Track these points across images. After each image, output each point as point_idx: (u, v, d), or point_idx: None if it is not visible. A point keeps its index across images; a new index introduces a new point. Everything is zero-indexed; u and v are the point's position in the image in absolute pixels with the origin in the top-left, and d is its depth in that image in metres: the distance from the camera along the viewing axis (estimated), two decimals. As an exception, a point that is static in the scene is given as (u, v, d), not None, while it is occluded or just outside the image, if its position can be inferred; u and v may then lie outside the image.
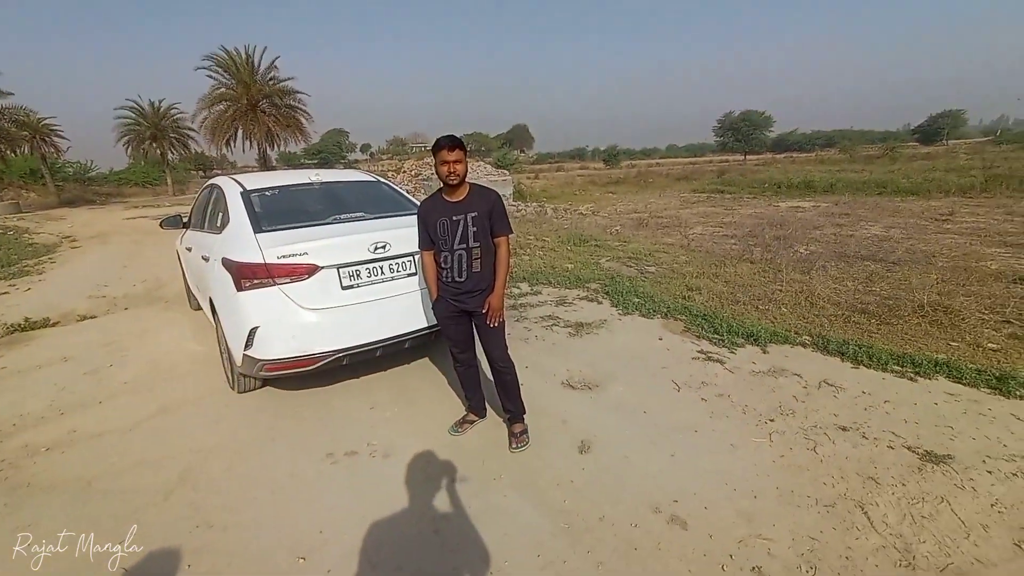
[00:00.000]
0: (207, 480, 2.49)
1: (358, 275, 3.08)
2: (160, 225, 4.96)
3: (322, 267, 2.94)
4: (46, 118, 27.60)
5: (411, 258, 3.28)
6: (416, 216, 3.41)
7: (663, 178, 27.62)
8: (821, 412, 2.85)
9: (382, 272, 3.16)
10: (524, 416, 2.74)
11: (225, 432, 2.95)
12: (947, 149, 43.12)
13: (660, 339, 4.09)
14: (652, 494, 2.24)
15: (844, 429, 2.66)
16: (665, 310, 4.69)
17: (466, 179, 2.48)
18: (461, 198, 2.48)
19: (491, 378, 2.82)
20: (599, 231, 10.01)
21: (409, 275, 3.26)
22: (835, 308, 4.63)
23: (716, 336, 4.03)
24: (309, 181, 3.78)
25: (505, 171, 21.62)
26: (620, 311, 4.81)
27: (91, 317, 5.45)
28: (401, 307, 3.17)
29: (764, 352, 3.72)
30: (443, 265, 2.56)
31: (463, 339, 2.73)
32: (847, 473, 2.30)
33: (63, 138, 28.92)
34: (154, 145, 31.30)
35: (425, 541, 2.04)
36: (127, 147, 31.19)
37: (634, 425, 2.83)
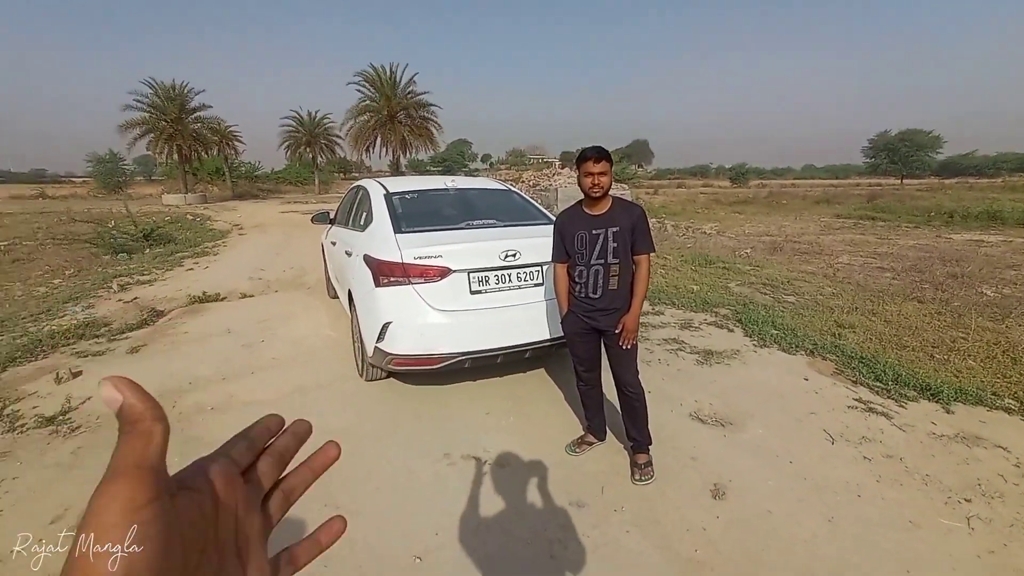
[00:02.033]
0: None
1: (487, 281, 3.09)
2: (311, 220, 5.52)
3: (454, 270, 3.00)
4: (231, 125, 32.89)
5: (539, 268, 3.22)
6: (549, 227, 3.37)
7: (799, 200, 25.00)
8: (1043, 502, 2.24)
9: (510, 280, 3.14)
10: (650, 447, 2.52)
11: (351, 417, 3.11)
12: None
13: (806, 379, 3.57)
14: (804, 563, 1.90)
15: (1082, 531, 2.05)
16: (811, 346, 4.11)
17: (609, 192, 2.35)
18: (603, 212, 2.36)
19: (613, 400, 2.64)
20: (726, 252, 9.25)
21: (536, 285, 3.21)
22: (1048, 368, 3.70)
23: (879, 384, 3.42)
24: (445, 187, 3.92)
25: (624, 185, 21.14)
26: (755, 342, 4.32)
27: (250, 296, 6.23)
28: (526, 316, 3.12)
29: (948, 412, 3.07)
30: (577, 279, 2.45)
31: (590, 358, 2.59)
32: (1094, 592, 1.75)
33: (241, 142, 34.18)
34: (307, 149, 35.73)
35: (540, 565, 1.93)
36: (287, 150, 36.00)
37: (778, 475, 2.46)
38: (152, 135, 26.31)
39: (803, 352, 4.06)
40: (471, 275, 3.07)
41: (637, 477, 2.43)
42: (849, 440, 2.76)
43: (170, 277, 7.35)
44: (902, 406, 3.14)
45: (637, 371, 2.48)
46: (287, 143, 35.46)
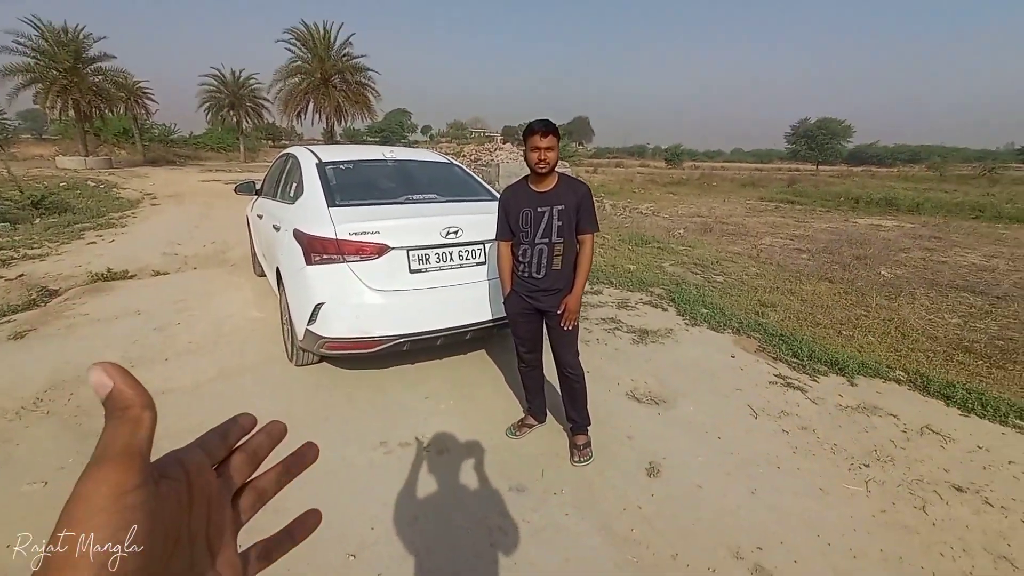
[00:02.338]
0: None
1: (427, 259, 2.97)
2: (234, 190, 5.07)
3: (392, 248, 2.85)
4: (140, 81, 29.49)
5: (482, 246, 3.14)
6: (493, 203, 3.26)
7: (728, 182, 26.35)
8: (927, 464, 2.51)
9: (451, 258, 3.04)
10: (588, 428, 2.56)
11: (281, 404, 2.93)
12: (1058, 174, 38.81)
13: (732, 356, 3.78)
14: (732, 535, 2.02)
15: (960, 489, 2.31)
16: (737, 325, 4.36)
17: (555, 169, 2.29)
18: (548, 188, 2.30)
19: (553, 382, 2.65)
20: (661, 232, 9.59)
21: (478, 264, 3.13)
22: (932, 343, 4.15)
23: (795, 360, 3.68)
24: (383, 157, 3.71)
25: (564, 162, 21.27)
26: (687, 321, 4.52)
27: (163, 273, 5.69)
28: (467, 296, 3.05)
29: (852, 384, 3.36)
30: (521, 259, 2.40)
31: (532, 338, 2.56)
32: (971, 546, 1.98)
33: (153, 100, 30.80)
34: (231, 113, 32.83)
35: (480, 554, 1.91)
36: (207, 113, 32.88)
37: (707, 450, 2.59)
38: (40, 86, 23.07)
39: (730, 330, 4.29)
40: (411, 253, 2.94)
41: (576, 459, 2.47)
42: (770, 414, 2.95)
43: (67, 251, 6.55)
44: (815, 380, 3.41)
45: (577, 352, 2.49)
46: (207, 105, 32.38)
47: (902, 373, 3.52)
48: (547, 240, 2.30)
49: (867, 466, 2.48)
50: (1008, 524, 2.12)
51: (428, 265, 2.98)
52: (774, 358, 3.75)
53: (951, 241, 9.67)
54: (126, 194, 12.92)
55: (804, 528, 2.06)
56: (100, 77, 25.33)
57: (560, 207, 2.27)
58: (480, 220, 3.18)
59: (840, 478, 2.39)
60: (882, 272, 6.81)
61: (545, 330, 2.53)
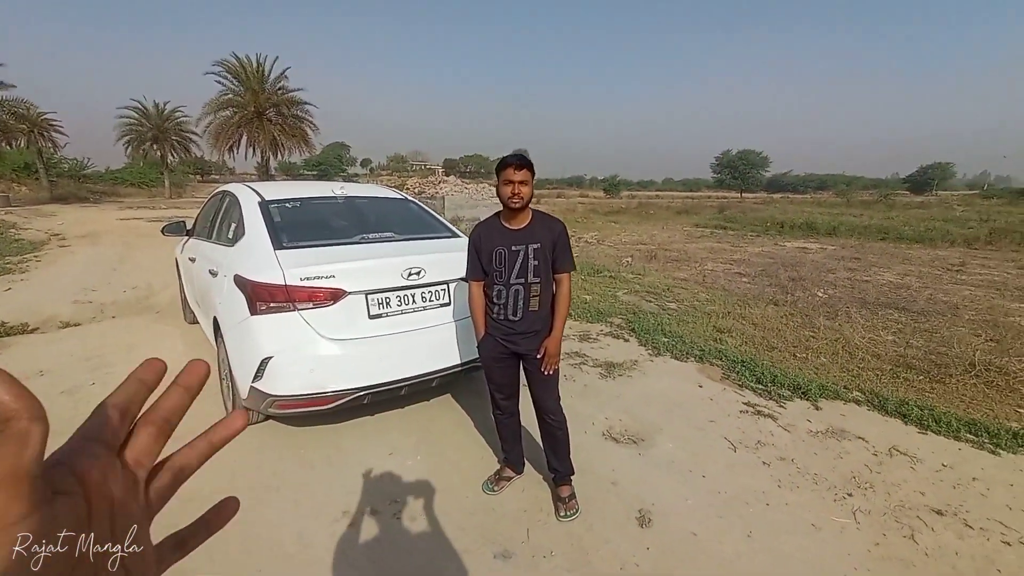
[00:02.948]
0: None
1: (388, 303, 2.75)
2: (162, 231, 4.61)
3: (349, 292, 2.61)
4: (46, 113, 27.20)
5: (445, 286, 2.96)
6: (454, 240, 3.11)
7: (664, 210, 27.72)
8: (904, 488, 2.53)
9: (414, 301, 2.84)
10: (572, 477, 2.39)
11: (222, 476, 2.55)
12: (939, 199, 44.08)
13: (700, 386, 3.77)
14: (736, 588, 1.90)
15: (940, 513, 2.33)
16: (698, 352, 4.39)
17: (529, 205, 2.18)
18: (523, 226, 2.19)
19: (528, 428, 2.48)
20: (610, 261, 9.77)
21: (442, 305, 2.94)
22: (877, 361, 4.36)
23: (760, 387, 3.72)
24: (333, 194, 3.47)
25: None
26: (650, 351, 4.50)
27: (74, 324, 5.03)
28: (432, 341, 2.84)
29: (816, 408, 3.42)
30: (495, 300, 2.25)
31: (509, 384, 2.39)
32: (964, 574, 1.97)
33: (62, 133, 28.49)
34: (155, 147, 30.85)
35: (471, 642, 1.67)
36: (127, 147, 30.71)
37: (694, 492, 2.48)
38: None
39: (693, 359, 4.31)
40: (369, 297, 2.70)
41: (562, 513, 2.28)
42: (747, 446, 2.91)
43: (-50, 303, 5.68)
44: (782, 406, 3.44)
45: (559, 397, 2.34)
46: (128, 138, 30.30)
47: (859, 393, 3.64)
48: (523, 280, 2.17)
49: (850, 495, 2.47)
50: (991, 547, 2.14)
51: (389, 309, 2.76)
52: (740, 385, 3.77)
53: (868, 261, 10.50)
54: (28, 235, 11.61)
55: (806, 570, 1.98)
56: (-3, 108, 23.14)
57: (536, 245, 2.15)
58: (443, 259, 3.01)
59: (827, 510, 2.35)
60: (818, 293, 7.22)
61: (524, 375, 2.36)
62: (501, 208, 2.23)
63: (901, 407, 3.34)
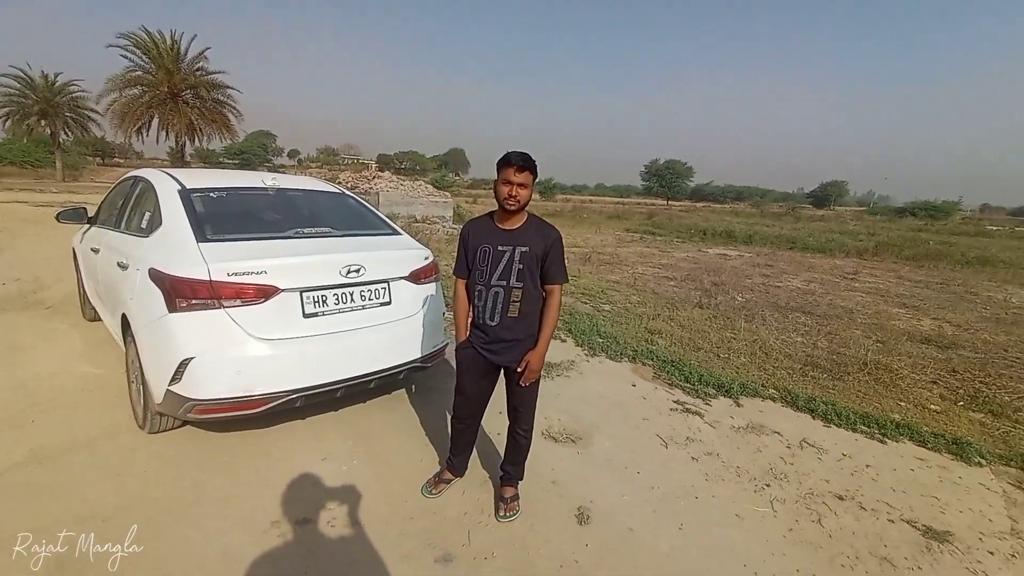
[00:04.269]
0: (100, 566, 1.86)
1: (324, 301, 2.61)
2: (56, 217, 4.09)
3: (283, 290, 2.45)
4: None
5: (386, 285, 2.87)
6: (395, 238, 3.03)
7: (596, 214, 28.67)
8: (812, 477, 2.78)
9: (352, 299, 2.72)
10: (519, 481, 2.40)
11: (131, 490, 2.31)
12: (836, 214, 49.15)
13: (634, 385, 3.93)
14: (670, 577, 1.99)
15: (841, 498, 2.59)
16: (632, 353, 4.57)
17: (526, 208, 2.11)
18: (514, 227, 2.11)
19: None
20: (547, 263, 9.93)
21: (382, 304, 2.85)
22: (788, 360, 4.77)
23: (688, 385, 3.94)
24: (263, 185, 3.25)
25: (446, 193, 21.33)
26: (586, 352, 4.63)
27: (-59, 322, 4.35)
28: (371, 341, 2.74)
29: (738, 405, 3.67)
30: (475, 301, 2.17)
31: (479, 399, 2.32)
32: (860, 552, 2.19)
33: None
34: (43, 123, 27.39)
35: (413, 651, 1.63)
36: (5, 120, 27.01)
37: (631, 488, 2.58)
38: None
39: (627, 359, 4.48)
40: (304, 295, 2.56)
41: (502, 513, 2.28)
42: (678, 442, 3.07)
43: None
44: (708, 404, 3.66)
45: (534, 412, 2.31)
46: (6, 110, 26.66)
47: (774, 391, 3.95)
48: (504, 283, 2.09)
49: (768, 486, 2.67)
50: (880, 526, 2.40)
51: (326, 308, 2.63)
52: (670, 384, 3.98)
53: (779, 268, 11.47)
54: None
55: (732, 559, 2.12)
56: None
57: (524, 249, 2.07)
58: (384, 256, 2.94)
59: (749, 501, 2.53)
60: (737, 297, 7.78)
61: (505, 386, 2.28)
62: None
63: (809, 403, 3.67)
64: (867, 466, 2.93)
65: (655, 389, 3.88)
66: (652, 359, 4.45)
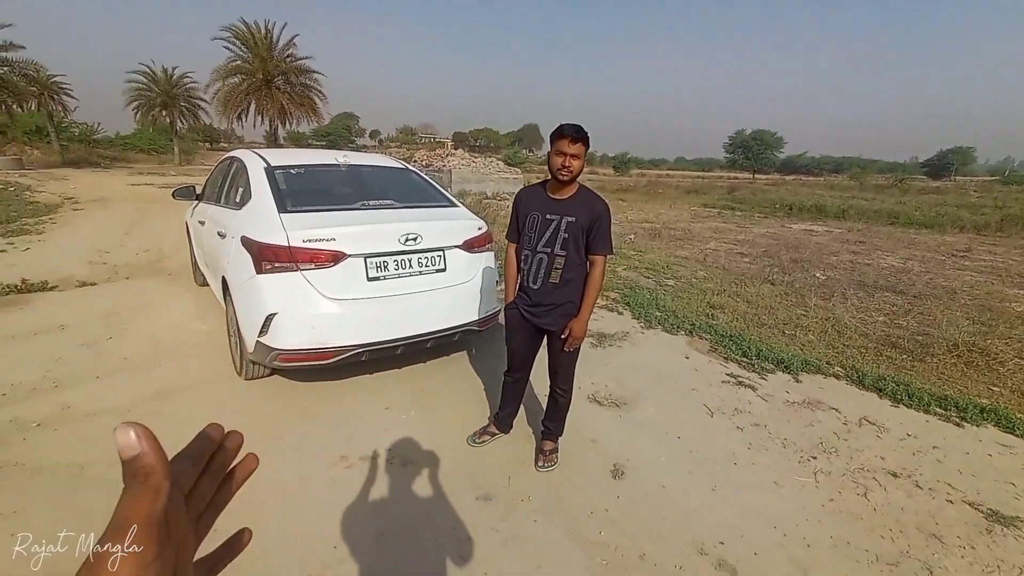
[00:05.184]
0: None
1: (385, 267, 2.89)
2: (172, 195, 4.76)
3: (349, 255, 2.76)
4: (56, 75, 27.16)
5: (441, 253, 3.10)
6: (452, 209, 3.22)
7: (673, 189, 27.48)
8: (866, 453, 2.68)
9: (410, 265, 2.98)
10: (559, 437, 2.56)
11: (230, 422, 2.62)
12: (956, 185, 43.16)
13: (687, 357, 3.91)
14: (695, 532, 2.07)
15: (895, 475, 2.49)
16: (689, 327, 4.52)
17: (577, 179, 2.19)
18: (564, 197, 2.21)
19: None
20: (613, 238, 9.81)
21: (438, 271, 3.08)
22: (864, 340, 4.47)
23: (745, 360, 3.86)
24: (336, 162, 3.59)
25: (516, 169, 21.44)
26: (642, 324, 4.64)
27: (91, 284, 5.24)
28: (427, 304, 2.99)
29: (797, 381, 3.56)
30: (523, 265, 2.33)
31: (524, 356, 2.49)
32: (906, 527, 2.13)
33: (72, 97, 28.46)
34: (164, 113, 30.77)
35: (451, 568, 1.87)
36: (136, 112, 30.66)
37: (669, 450, 2.65)
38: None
39: (683, 332, 4.44)
40: (368, 260, 2.85)
41: (541, 463, 2.46)
42: (725, 412, 3.07)
43: (-29, 260, 5.91)
44: (764, 378, 3.58)
45: (574, 374, 2.45)
46: (137, 103, 30.19)
47: (840, 369, 3.77)
48: (549, 250, 2.21)
49: (815, 458, 2.62)
50: (936, 505, 2.30)
51: (386, 273, 2.91)
52: (725, 358, 3.91)
53: (873, 245, 10.48)
54: (42, 198, 11.81)
55: (762, 521, 2.15)
56: (6, 69, 23.06)
57: (571, 219, 2.17)
58: (439, 226, 3.15)
59: (791, 471, 2.51)
60: (817, 274, 7.28)
61: (547, 348, 2.43)
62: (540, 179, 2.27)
63: (878, 382, 3.47)
64: (934, 447, 2.77)
65: (709, 362, 3.85)
66: (710, 333, 4.37)
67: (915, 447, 2.76)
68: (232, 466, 0.41)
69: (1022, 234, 12.72)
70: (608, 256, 2.27)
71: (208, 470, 0.38)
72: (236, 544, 0.43)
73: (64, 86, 27.72)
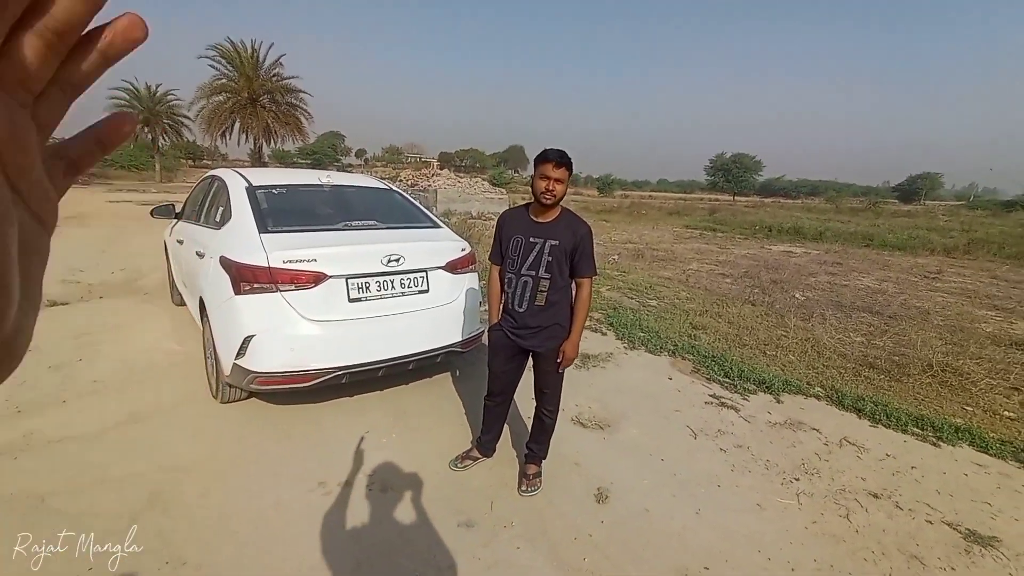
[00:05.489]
0: (180, 506, 2.21)
1: (367, 288, 2.87)
2: (151, 213, 4.68)
3: (330, 276, 2.73)
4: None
5: (423, 274, 3.09)
6: (434, 230, 3.22)
7: (656, 211, 27.95)
8: (847, 474, 2.70)
9: (392, 287, 2.96)
10: (543, 460, 2.53)
11: (203, 448, 2.67)
12: (925, 209, 44.75)
13: (670, 378, 3.93)
14: (680, 556, 2.05)
15: (875, 496, 2.51)
16: (672, 347, 4.55)
17: (560, 203, 2.22)
18: (547, 220, 2.23)
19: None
20: (597, 259, 9.90)
21: (420, 292, 3.07)
22: (842, 360, 4.55)
23: (727, 380, 3.89)
24: (319, 182, 3.58)
25: (502, 190, 21.65)
26: (625, 345, 4.66)
27: (62, 304, 5.08)
28: (409, 325, 2.97)
29: (778, 401, 3.59)
30: (506, 288, 2.33)
31: (509, 379, 2.48)
32: (888, 549, 2.14)
33: (49, 113, 28.14)
34: (146, 129, 30.56)
35: (430, 598, 1.81)
36: (117, 129, 30.33)
37: (652, 473, 2.64)
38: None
39: (666, 353, 4.47)
40: (350, 281, 2.82)
41: (524, 488, 2.42)
42: (708, 434, 3.08)
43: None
44: (746, 399, 3.61)
45: (560, 396, 2.45)
46: (117, 119, 29.91)
47: (820, 389, 3.81)
48: (533, 273, 2.22)
49: (797, 480, 2.63)
50: (915, 525, 2.32)
51: (368, 294, 2.88)
52: (708, 379, 3.94)
53: (850, 267, 10.75)
54: (16, 215, 11.53)
55: (746, 544, 2.14)
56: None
57: (554, 242, 2.19)
58: (422, 247, 3.14)
59: (774, 493, 2.51)
60: (796, 295, 7.42)
61: (534, 370, 2.43)
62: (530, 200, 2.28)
63: (857, 402, 3.52)
64: (912, 467, 2.80)
65: (692, 383, 3.86)
66: (692, 354, 4.40)
67: (894, 467, 2.79)
68: (92, 29, 0.24)
69: (988, 257, 13.19)
70: (593, 277, 2.28)
71: (33, 26, 0.21)
72: (117, 133, 0.28)
73: (42, 101, 27.38)
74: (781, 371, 4.15)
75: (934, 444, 3.06)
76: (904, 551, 2.14)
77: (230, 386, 2.93)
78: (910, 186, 78.38)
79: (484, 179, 23.21)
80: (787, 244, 14.99)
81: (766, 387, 3.77)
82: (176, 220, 4.60)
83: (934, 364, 4.32)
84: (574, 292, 2.33)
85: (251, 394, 3.10)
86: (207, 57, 25.04)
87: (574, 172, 2.24)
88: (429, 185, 18.39)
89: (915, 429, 3.22)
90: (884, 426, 3.26)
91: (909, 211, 38.60)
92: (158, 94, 30.47)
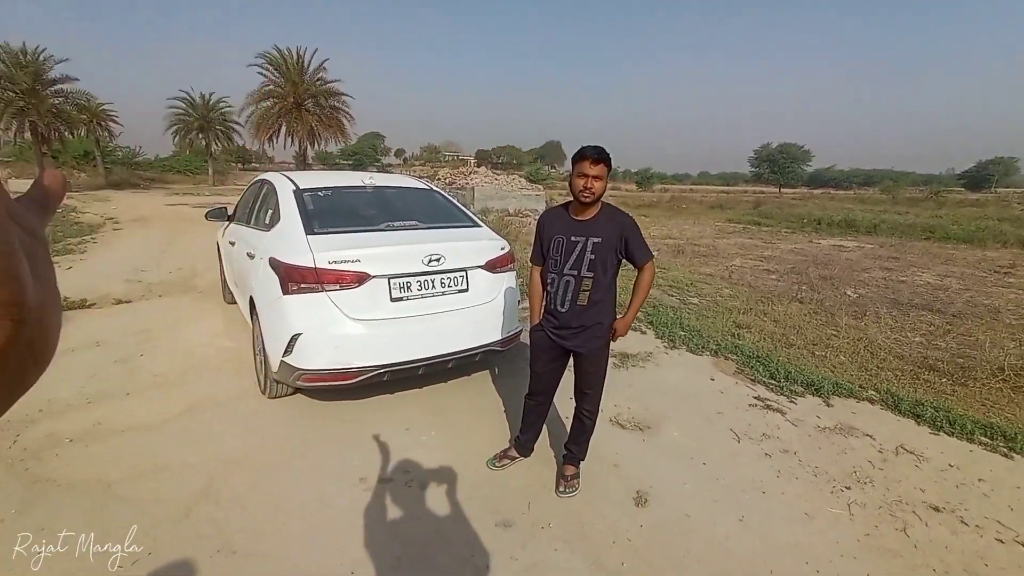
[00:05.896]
0: (231, 496, 2.32)
1: (409, 287, 2.92)
2: (206, 216, 4.93)
3: (373, 276, 2.80)
4: (104, 103, 28.75)
5: (463, 273, 3.12)
6: (475, 229, 3.24)
7: (697, 204, 27.19)
8: (904, 484, 2.55)
9: (433, 286, 3.00)
10: (581, 461, 2.51)
11: (253, 441, 2.80)
12: (997, 197, 41.50)
13: (712, 379, 3.82)
14: (722, 565, 2.00)
15: (937, 509, 2.36)
16: (715, 347, 4.42)
17: (601, 199, 2.20)
18: (588, 218, 2.21)
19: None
20: (635, 255, 9.73)
21: (460, 291, 3.10)
22: (899, 362, 4.30)
23: (772, 382, 3.74)
24: (362, 184, 3.68)
25: (538, 186, 21.56)
26: (666, 344, 4.56)
27: (126, 302, 5.44)
28: (449, 324, 3.01)
29: (828, 405, 3.43)
30: (548, 288, 2.32)
31: (550, 379, 2.48)
32: (952, 568, 2.01)
33: (117, 123, 30.01)
34: (200, 136, 32.21)
35: (468, 596, 1.84)
36: (175, 136, 32.15)
37: (694, 477, 2.58)
38: (-6, 107, 22.18)
39: (708, 352, 4.35)
40: (392, 281, 2.89)
41: (562, 489, 2.41)
42: (752, 438, 2.97)
43: (20, 279, 6.19)
44: (793, 402, 3.46)
45: (601, 397, 2.42)
46: (175, 128, 31.67)
47: (874, 392, 3.62)
48: (576, 272, 2.20)
49: (848, 488, 2.51)
50: (984, 543, 2.16)
51: (410, 293, 2.94)
52: (752, 380, 3.81)
53: (907, 261, 10.13)
54: (85, 218, 12.41)
55: (793, 555, 2.06)
56: (61, 99, 24.57)
57: (596, 239, 2.16)
58: (462, 247, 3.17)
59: (823, 501, 2.41)
60: (847, 292, 7.06)
61: (574, 370, 2.42)
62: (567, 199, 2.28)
63: (916, 407, 3.32)
64: (980, 480, 2.61)
65: (735, 384, 3.74)
66: (736, 353, 4.27)
67: (958, 479, 2.61)
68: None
69: (1072, 250, 12.12)
70: (653, 259, 2.27)
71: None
72: (55, 193, 0.32)
73: (111, 113, 29.30)
74: (831, 373, 3.97)
75: (1005, 455, 2.84)
76: (971, 571, 2.00)
77: (277, 382, 3.05)
78: (979, 172, 72.82)
79: (521, 176, 23.19)
80: (838, 238, 14.27)
81: (815, 389, 3.60)
82: (228, 222, 4.83)
83: (1006, 367, 4.02)
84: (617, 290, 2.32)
85: (297, 390, 3.22)
86: (256, 65, 26.12)
87: (613, 167, 2.21)
88: (466, 183, 18.53)
89: (983, 438, 3.00)
90: (946, 434, 3.06)
91: (978, 200, 35.91)
92: (211, 102, 32.02)
